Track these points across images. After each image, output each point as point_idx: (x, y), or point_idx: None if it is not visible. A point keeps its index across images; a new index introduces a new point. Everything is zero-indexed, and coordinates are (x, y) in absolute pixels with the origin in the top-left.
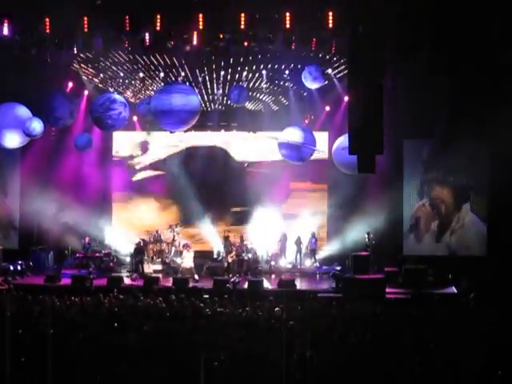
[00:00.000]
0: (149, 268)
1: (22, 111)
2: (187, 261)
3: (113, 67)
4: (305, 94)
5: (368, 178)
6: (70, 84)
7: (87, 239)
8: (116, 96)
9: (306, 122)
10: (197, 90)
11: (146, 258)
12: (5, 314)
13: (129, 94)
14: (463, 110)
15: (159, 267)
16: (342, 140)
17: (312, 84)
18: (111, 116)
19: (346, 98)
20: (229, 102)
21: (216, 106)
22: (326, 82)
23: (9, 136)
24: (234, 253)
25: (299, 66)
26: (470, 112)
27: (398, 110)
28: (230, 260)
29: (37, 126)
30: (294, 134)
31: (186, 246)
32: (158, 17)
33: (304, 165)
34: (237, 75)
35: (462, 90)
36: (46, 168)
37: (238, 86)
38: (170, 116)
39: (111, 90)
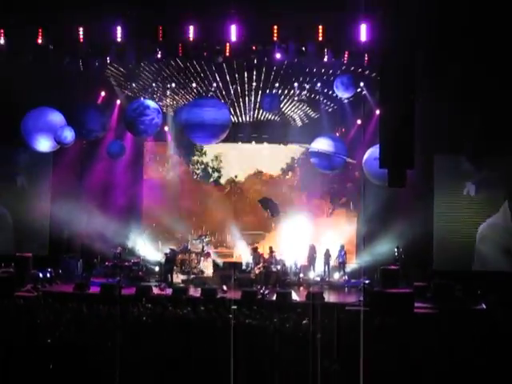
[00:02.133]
0: (177, 278)
1: (55, 117)
2: (207, 270)
3: (145, 76)
4: (336, 107)
5: (398, 192)
6: (103, 93)
7: (119, 249)
8: (149, 102)
9: (337, 134)
10: (228, 102)
11: (175, 267)
12: (34, 322)
13: (162, 103)
14: (495, 125)
15: (188, 277)
16: (374, 150)
17: (344, 93)
18: (144, 121)
19: (378, 112)
20: (259, 115)
21: (247, 117)
22: (358, 90)
23: (40, 140)
24: (262, 264)
25: (331, 79)
26: (501, 127)
27: (430, 124)
28: (257, 271)
29: (68, 134)
30: (324, 144)
31: (206, 255)
32: (191, 28)
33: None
34: (268, 87)
35: (494, 105)
36: (77, 175)
37: (269, 93)
38: (202, 130)
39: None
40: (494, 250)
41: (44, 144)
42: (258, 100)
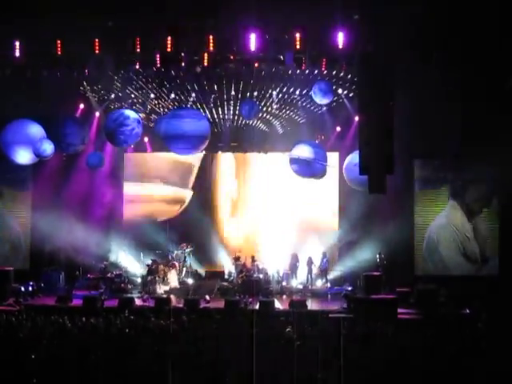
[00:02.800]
0: (160, 289)
1: (35, 129)
2: (172, 281)
3: (123, 88)
4: (316, 113)
5: (379, 198)
6: (81, 105)
7: (104, 263)
8: (129, 112)
9: (317, 142)
10: (207, 111)
11: (157, 278)
12: (17, 336)
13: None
14: (475, 130)
15: (170, 288)
16: (354, 156)
17: (322, 99)
18: (124, 132)
19: (357, 118)
20: (239, 123)
21: (227, 126)
22: (335, 99)
23: (20, 152)
24: (244, 273)
25: (309, 87)
26: (481, 132)
27: (409, 128)
28: (240, 280)
29: (48, 147)
30: (304, 150)
31: (171, 266)
32: (169, 38)
33: (314, 185)
34: (247, 96)
35: (474, 110)
36: (57, 187)
37: (248, 100)
38: (182, 141)
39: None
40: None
41: (23, 156)
42: (237, 108)
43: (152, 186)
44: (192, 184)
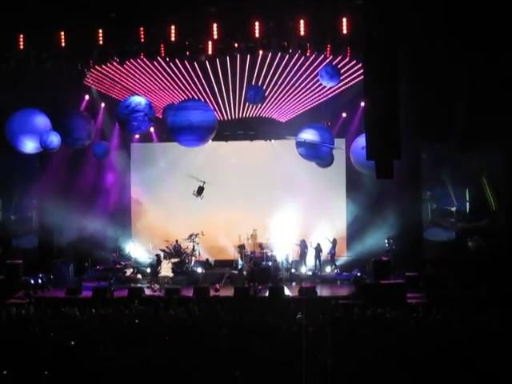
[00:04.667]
0: (169, 278)
1: (42, 118)
2: (165, 270)
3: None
4: (321, 100)
5: (387, 183)
6: (87, 97)
7: (114, 255)
8: (140, 98)
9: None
10: (213, 100)
11: (169, 266)
12: (27, 328)
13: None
14: (481, 112)
15: (180, 277)
16: (361, 139)
17: (329, 82)
18: (137, 118)
19: (363, 104)
20: (245, 112)
21: (233, 115)
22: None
23: (26, 142)
24: (253, 261)
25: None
26: (487, 113)
27: (415, 112)
28: (249, 268)
29: (54, 139)
30: (311, 133)
31: (168, 255)
32: (173, 28)
33: (322, 171)
34: (253, 83)
35: (479, 92)
36: (65, 178)
37: (253, 86)
38: (189, 133)
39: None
40: None
41: (29, 146)
42: (243, 96)
43: (159, 176)
44: (201, 173)
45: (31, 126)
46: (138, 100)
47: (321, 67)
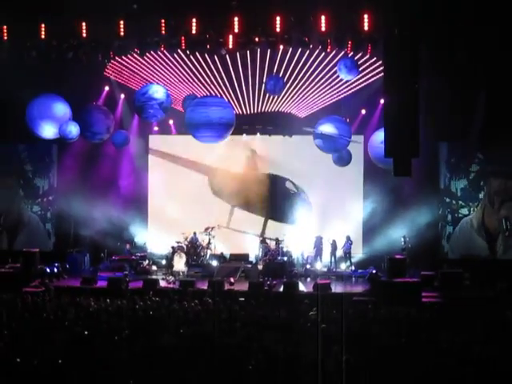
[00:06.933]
0: (185, 271)
1: (61, 105)
2: (179, 265)
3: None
4: (341, 96)
5: (404, 180)
6: (107, 88)
7: (128, 246)
8: (158, 86)
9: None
10: (232, 94)
11: (182, 260)
12: (42, 317)
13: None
14: (499, 113)
15: (195, 270)
16: (380, 133)
17: (347, 75)
18: (153, 106)
19: (382, 101)
20: (264, 107)
21: (251, 109)
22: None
23: (44, 127)
24: (269, 256)
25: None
26: (506, 114)
27: (435, 111)
28: (264, 263)
29: (73, 129)
30: (329, 126)
31: (179, 249)
32: (194, 21)
33: (339, 167)
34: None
35: (499, 92)
36: (82, 169)
37: (273, 76)
38: (208, 129)
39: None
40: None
41: (47, 131)
42: (262, 90)
43: (177, 169)
44: (218, 167)
45: (50, 111)
46: (156, 88)
47: (339, 60)
